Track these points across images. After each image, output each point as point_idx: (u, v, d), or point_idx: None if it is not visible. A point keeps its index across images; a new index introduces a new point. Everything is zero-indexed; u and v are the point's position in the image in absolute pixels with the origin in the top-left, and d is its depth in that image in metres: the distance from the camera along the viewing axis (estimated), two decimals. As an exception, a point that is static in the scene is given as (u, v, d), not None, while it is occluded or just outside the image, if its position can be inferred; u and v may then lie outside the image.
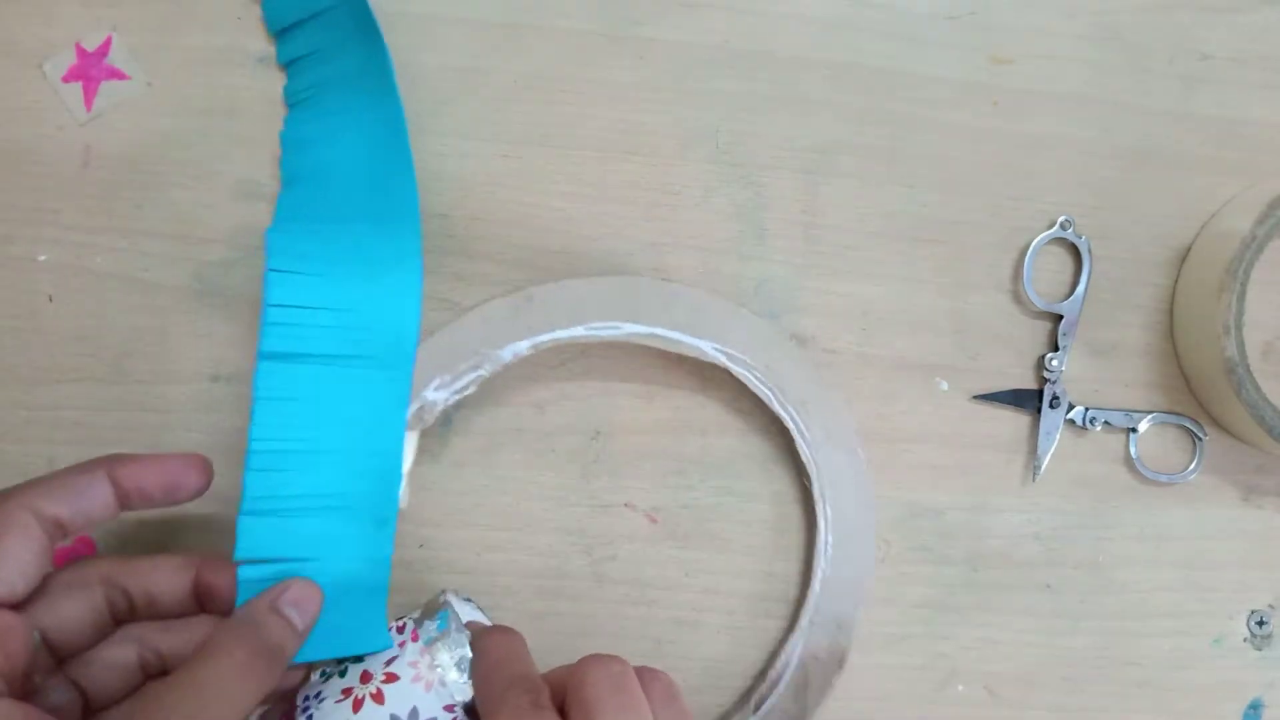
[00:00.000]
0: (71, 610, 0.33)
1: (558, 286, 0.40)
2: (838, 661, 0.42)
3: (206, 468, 0.36)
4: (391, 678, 0.34)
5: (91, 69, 0.41)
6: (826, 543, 0.42)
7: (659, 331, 0.41)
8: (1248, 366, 0.41)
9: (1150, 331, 0.45)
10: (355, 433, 0.38)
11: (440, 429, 0.42)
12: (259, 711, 0.35)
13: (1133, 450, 0.45)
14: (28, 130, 0.41)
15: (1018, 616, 0.44)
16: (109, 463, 0.34)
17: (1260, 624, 0.45)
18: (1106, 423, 0.44)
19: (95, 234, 0.41)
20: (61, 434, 0.40)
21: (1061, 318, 0.44)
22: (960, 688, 0.44)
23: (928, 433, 0.44)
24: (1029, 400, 0.44)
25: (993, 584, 0.44)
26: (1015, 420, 0.45)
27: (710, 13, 0.44)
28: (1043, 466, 0.44)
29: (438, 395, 0.39)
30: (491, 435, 0.42)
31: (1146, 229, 0.45)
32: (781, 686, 0.41)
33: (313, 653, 0.35)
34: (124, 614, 0.35)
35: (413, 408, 0.39)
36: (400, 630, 0.36)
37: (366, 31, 0.41)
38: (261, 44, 0.42)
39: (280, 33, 0.41)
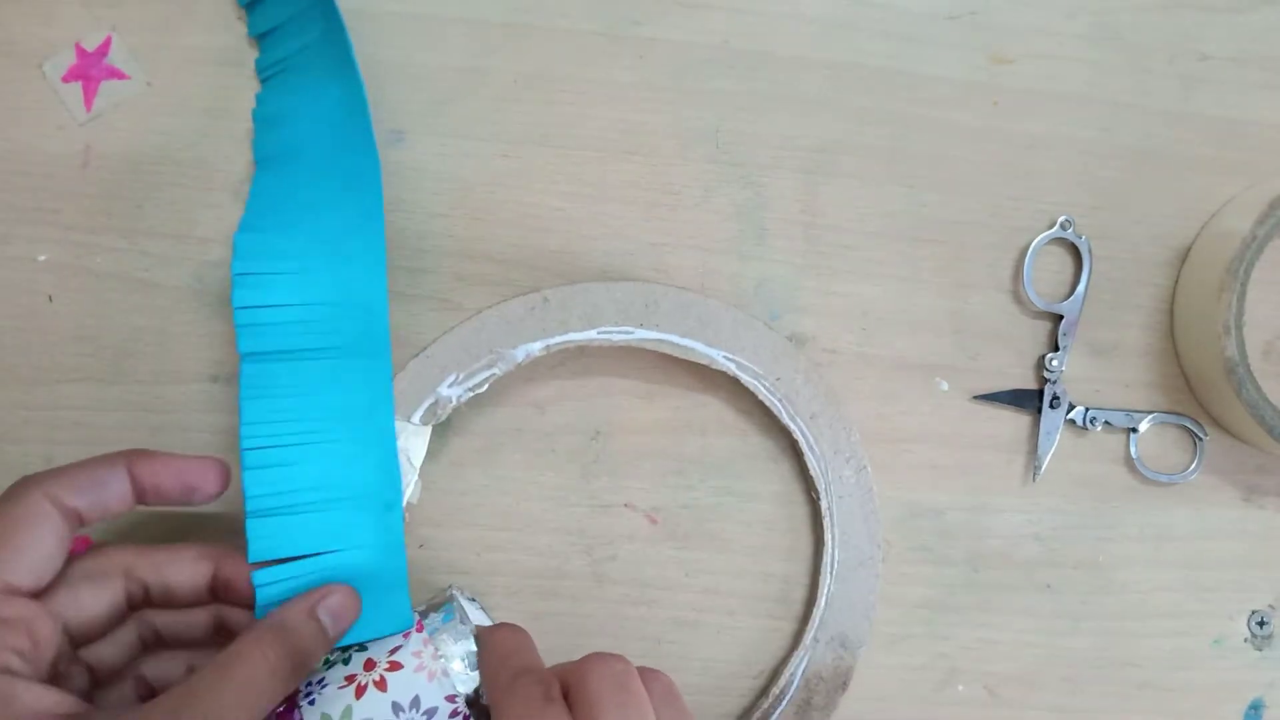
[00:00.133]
0: (91, 600, 0.33)
1: (573, 289, 0.40)
2: (842, 682, 0.41)
3: (224, 472, 0.36)
4: (395, 666, 0.34)
5: (91, 69, 0.41)
6: (834, 559, 0.42)
7: (671, 338, 0.41)
8: (1248, 366, 0.41)
9: (1150, 331, 0.45)
10: (344, 422, 0.38)
11: (439, 429, 0.42)
12: None
13: (1133, 450, 0.45)
14: (28, 130, 0.41)
15: (1018, 617, 0.44)
16: (129, 457, 0.34)
17: (1261, 624, 0.45)
18: (1107, 423, 0.44)
19: (95, 234, 0.41)
20: (61, 434, 0.40)
21: (1062, 318, 0.44)
22: (960, 688, 0.44)
23: (928, 433, 0.44)
24: (1029, 400, 0.44)
25: (993, 584, 0.44)
26: (1015, 420, 0.45)
27: (710, 13, 0.44)
28: (1043, 467, 0.44)
29: (451, 391, 0.40)
30: (491, 435, 0.42)
31: (1146, 229, 0.45)
32: (784, 705, 0.41)
33: (343, 639, 0.35)
34: (139, 603, 0.35)
35: (426, 403, 0.39)
36: None
37: (324, 5, 0.41)
38: (261, 44, 0.42)
39: (250, 5, 0.41)
